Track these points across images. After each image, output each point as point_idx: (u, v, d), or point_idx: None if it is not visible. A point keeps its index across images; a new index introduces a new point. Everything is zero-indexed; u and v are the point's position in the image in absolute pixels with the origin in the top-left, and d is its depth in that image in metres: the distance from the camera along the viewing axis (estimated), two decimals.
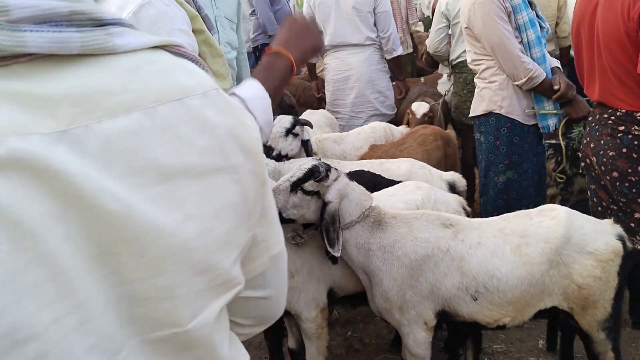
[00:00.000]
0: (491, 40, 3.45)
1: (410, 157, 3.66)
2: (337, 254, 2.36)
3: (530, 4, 3.54)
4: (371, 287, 2.49)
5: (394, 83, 5.29)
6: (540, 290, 2.42)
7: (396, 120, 5.06)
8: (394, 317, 2.47)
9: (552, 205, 2.62)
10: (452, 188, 3.31)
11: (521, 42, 3.48)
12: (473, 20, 3.49)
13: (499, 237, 2.45)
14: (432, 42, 5.14)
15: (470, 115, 3.82)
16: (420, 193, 2.80)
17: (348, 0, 4.77)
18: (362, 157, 3.71)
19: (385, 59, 5.05)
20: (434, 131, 3.92)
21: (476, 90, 3.76)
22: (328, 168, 2.42)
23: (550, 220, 2.48)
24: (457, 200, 2.94)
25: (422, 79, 6.06)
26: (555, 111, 3.59)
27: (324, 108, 5.15)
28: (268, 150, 3.45)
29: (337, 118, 5.02)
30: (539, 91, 3.53)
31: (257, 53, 6.92)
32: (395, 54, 4.96)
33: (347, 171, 3.25)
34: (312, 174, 2.39)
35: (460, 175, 3.38)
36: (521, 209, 3.71)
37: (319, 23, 4.89)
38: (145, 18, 1.52)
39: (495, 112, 3.62)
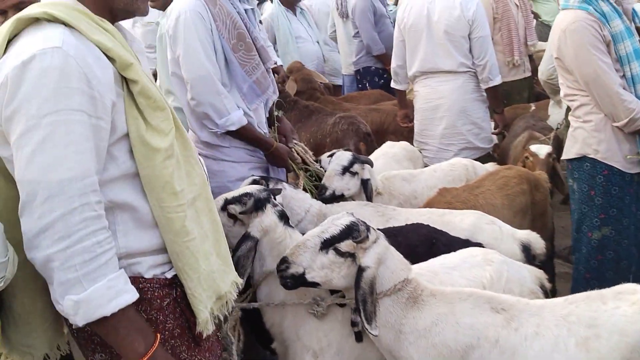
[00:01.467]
0: (585, 73, 2.87)
1: (487, 203, 3.17)
2: (375, 332, 1.98)
3: (638, 30, 2.91)
4: None
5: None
6: None
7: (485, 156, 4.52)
8: None
9: (634, 285, 2.04)
10: (527, 250, 2.77)
11: (623, 76, 2.88)
12: (564, 50, 2.93)
13: (562, 326, 1.93)
14: (545, 69, 4.50)
15: (562, 157, 3.23)
16: (490, 269, 2.32)
17: (440, 24, 4.30)
18: (428, 203, 3.25)
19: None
20: (519, 173, 3.36)
21: (569, 130, 3.17)
22: (367, 227, 2.06)
23: (629, 307, 1.92)
24: (534, 276, 2.42)
25: (533, 106, 5.40)
26: None
27: None
28: (321, 190, 3.12)
29: (425, 150, 4.56)
30: None
31: (358, 76, 6.63)
32: (491, 84, 4.38)
33: (403, 220, 2.89)
34: (350, 232, 2.04)
35: (538, 236, 2.83)
36: (619, 272, 3.09)
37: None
38: (33, 70, 1.42)
39: (590, 156, 3.02)
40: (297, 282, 2.11)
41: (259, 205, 2.32)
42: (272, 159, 3.11)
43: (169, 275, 1.66)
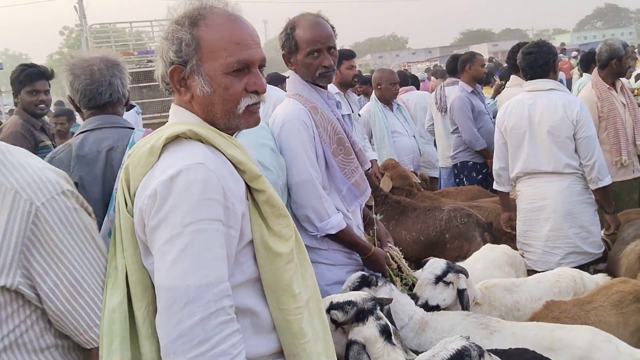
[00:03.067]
0: None
1: (600, 321, 2.90)
2: None
3: None
4: None
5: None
6: None
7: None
8: None
9: None
10: None
11: None
12: None
13: None
14: None
15: None
16: None
17: (543, 124, 4.18)
18: (534, 317, 3.01)
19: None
20: (636, 288, 3.05)
21: None
22: (481, 353, 2.00)
23: None
24: None
25: None
26: None
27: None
28: (412, 299, 2.99)
29: (528, 252, 4.32)
30: None
31: (455, 171, 6.53)
32: (600, 185, 4.16)
33: (509, 334, 2.71)
34: (461, 357, 1.98)
35: None
36: None
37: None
38: (179, 183, 1.54)
39: None
40: None
41: (361, 316, 2.26)
42: (370, 263, 3.05)
43: None
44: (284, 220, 1.68)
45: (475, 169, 6.32)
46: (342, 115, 3.10)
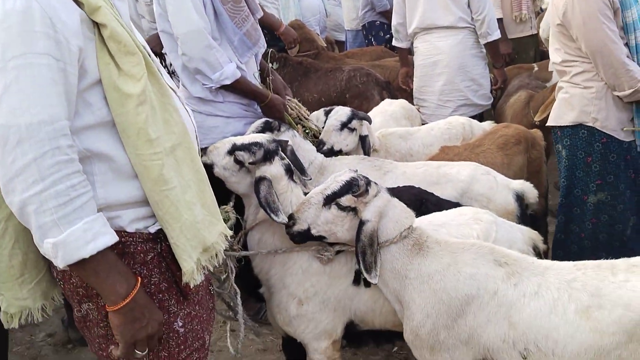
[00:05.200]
0: (592, 43, 2.73)
1: (488, 162, 3.10)
2: (375, 281, 2.02)
3: None
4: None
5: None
6: None
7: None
8: (424, 356, 2.05)
9: None
10: (520, 199, 2.77)
11: (627, 45, 2.76)
12: (570, 17, 2.77)
13: (564, 290, 1.88)
14: (546, 27, 4.37)
15: (552, 124, 3.11)
16: (478, 228, 2.28)
17: None
18: (431, 160, 3.19)
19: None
20: (517, 132, 3.27)
21: (561, 94, 3.03)
22: (368, 182, 2.06)
23: None
24: (527, 237, 2.37)
25: (536, 66, 5.29)
26: None
27: None
28: (319, 145, 3.07)
29: (423, 107, 4.46)
30: None
31: (364, 32, 6.46)
32: (490, 39, 4.25)
33: (400, 174, 2.86)
34: (349, 187, 2.05)
35: (531, 185, 2.81)
36: (614, 235, 3.02)
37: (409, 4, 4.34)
38: None
39: (588, 124, 2.90)
40: (304, 237, 2.14)
41: (268, 156, 2.28)
42: (268, 110, 2.99)
43: (152, 229, 1.60)
44: (132, 58, 1.50)
45: (383, 28, 6.25)
46: None
